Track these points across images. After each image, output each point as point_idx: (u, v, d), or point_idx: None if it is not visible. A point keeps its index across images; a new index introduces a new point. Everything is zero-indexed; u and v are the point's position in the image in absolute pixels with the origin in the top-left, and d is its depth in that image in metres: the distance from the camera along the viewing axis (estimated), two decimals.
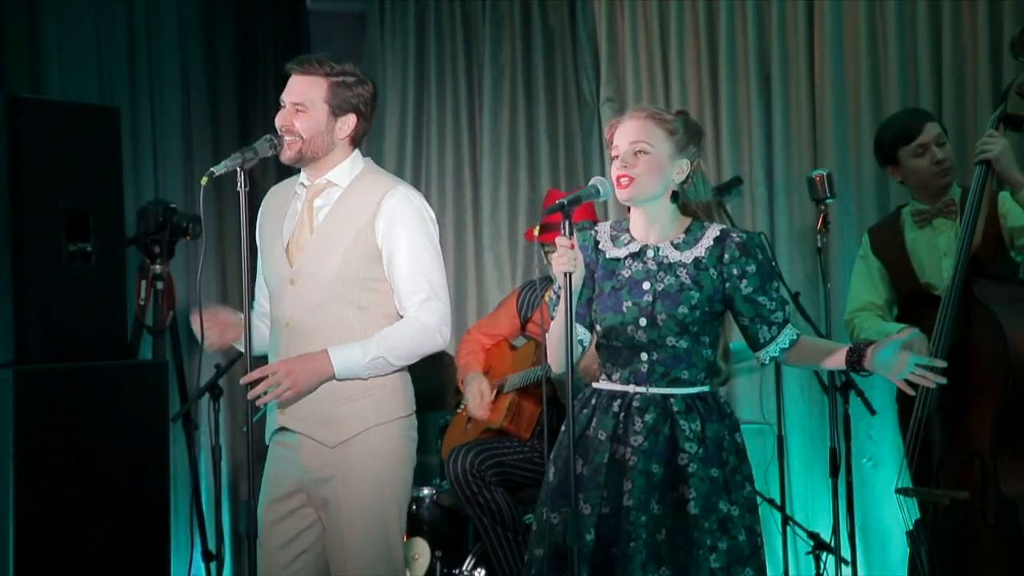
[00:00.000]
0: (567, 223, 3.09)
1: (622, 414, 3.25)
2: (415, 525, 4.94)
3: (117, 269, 4.32)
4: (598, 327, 3.33)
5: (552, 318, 3.34)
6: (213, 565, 4.64)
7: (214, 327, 3.52)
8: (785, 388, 5.13)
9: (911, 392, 3.24)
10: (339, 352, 3.39)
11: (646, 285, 3.27)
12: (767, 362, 3.32)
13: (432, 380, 5.28)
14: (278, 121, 3.47)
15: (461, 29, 6.16)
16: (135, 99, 5.48)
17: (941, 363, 3.22)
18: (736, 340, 3.48)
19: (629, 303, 3.27)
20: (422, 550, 4.96)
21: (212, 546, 4.73)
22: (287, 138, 3.44)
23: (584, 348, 3.42)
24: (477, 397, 4.92)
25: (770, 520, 5.00)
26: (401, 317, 3.47)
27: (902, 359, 3.16)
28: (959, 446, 4.04)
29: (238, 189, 3.31)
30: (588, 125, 6.03)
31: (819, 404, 5.29)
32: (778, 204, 5.54)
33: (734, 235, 3.29)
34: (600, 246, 3.36)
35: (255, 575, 3.32)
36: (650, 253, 3.30)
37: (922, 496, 4.12)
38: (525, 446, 4.87)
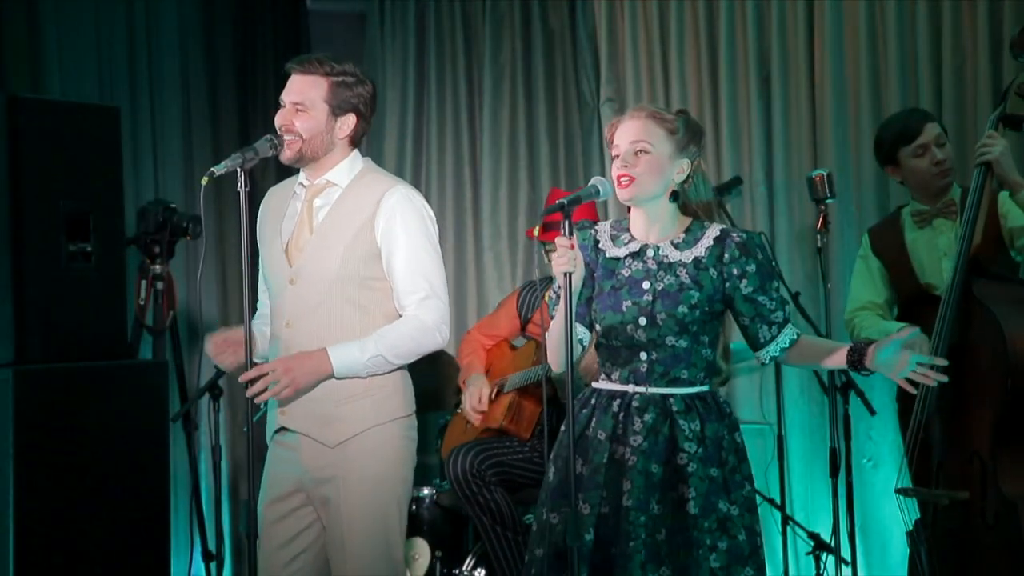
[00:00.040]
0: (567, 223, 3.09)
1: (621, 414, 3.25)
2: (415, 525, 4.94)
3: (117, 269, 4.32)
4: (598, 326, 3.33)
5: (552, 318, 3.34)
6: (213, 565, 4.64)
7: (228, 348, 3.51)
8: (785, 388, 5.13)
9: (912, 391, 3.24)
10: (338, 350, 3.39)
11: (646, 284, 3.27)
12: (767, 362, 3.32)
13: (432, 380, 5.28)
14: (278, 120, 3.47)
15: (461, 29, 6.16)
16: (135, 99, 5.48)
17: (942, 361, 3.22)
18: (736, 340, 3.48)
19: (629, 302, 3.27)
20: (422, 550, 4.96)
21: (212, 546, 4.73)
22: (287, 137, 3.44)
23: (584, 347, 3.42)
24: (475, 397, 4.92)
25: (770, 520, 5.00)
26: (401, 316, 3.47)
27: (903, 358, 3.16)
28: (959, 446, 4.04)
29: (238, 189, 3.31)
30: (588, 125, 6.03)
31: (819, 404, 5.29)
32: (778, 204, 5.54)
33: (734, 235, 3.29)
34: (600, 245, 3.36)
35: (255, 575, 3.32)
36: (650, 252, 3.30)
37: (922, 496, 4.12)
38: (525, 446, 4.87)
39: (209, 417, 4.10)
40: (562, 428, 3.30)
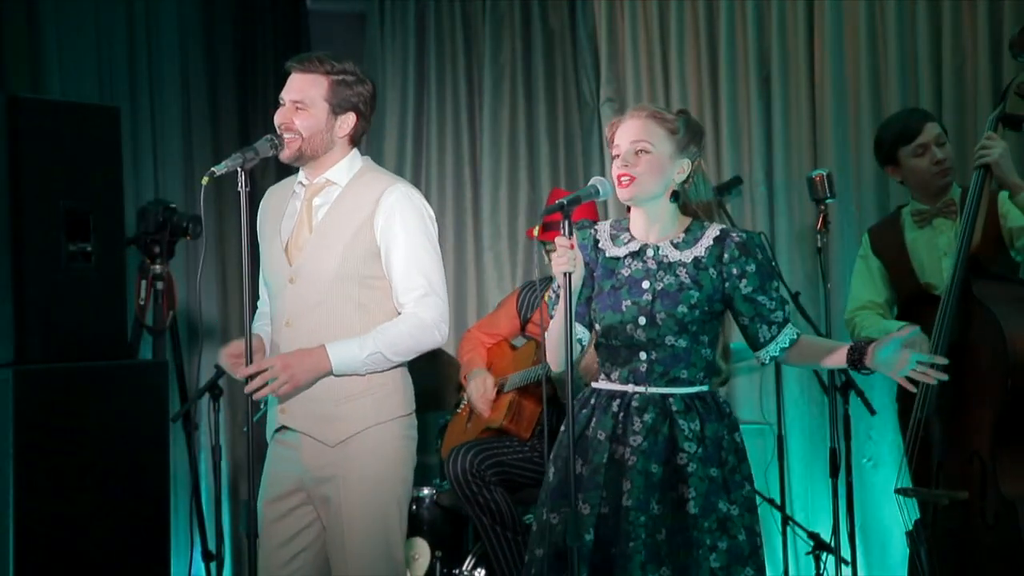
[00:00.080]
0: (567, 223, 3.09)
1: (621, 414, 3.25)
2: (415, 525, 4.94)
3: (117, 269, 4.31)
4: (597, 326, 3.33)
5: (551, 317, 3.34)
6: (213, 565, 4.64)
7: (243, 360, 3.49)
8: (785, 388, 5.14)
9: (912, 389, 3.24)
10: (336, 347, 3.39)
11: (645, 284, 3.27)
12: (767, 362, 3.32)
13: (432, 380, 5.28)
14: (277, 119, 3.47)
15: (461, 29, 6.16)
16: (135, 99, 5.48)
17: (942, 360, 3.22)
18: (736, 340, 3.48)
19: (628, 302, 3.27)
20: (422, 550, 4.96)
21: (212, 546, 4.73)
22: (286, 136, 3.44)
23: (583, 347, 3.42)
24: (480, 390, 4.92)
25: (770, 520, 5.00)
26: (400, 314, 3.47)
27: (903, 356, 3.16)
28: (958, 446, 4.04)
29: (239, 189, 3.31)
30: (588, 125, 6.03)
31: (819, 404, 5.29)
32: (778, 204, 5.54)
33: (734, 235, 3.29)
34: (600, 245, 3.36)
35: (255, 575, 3.32)
36: (650, 252, 3.30)
37: (922, 496, 4.12)
38: (525, 446, 4.87)
39: (209, 417, 4.08)
40: (562, 428, 3.30)
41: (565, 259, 3.08)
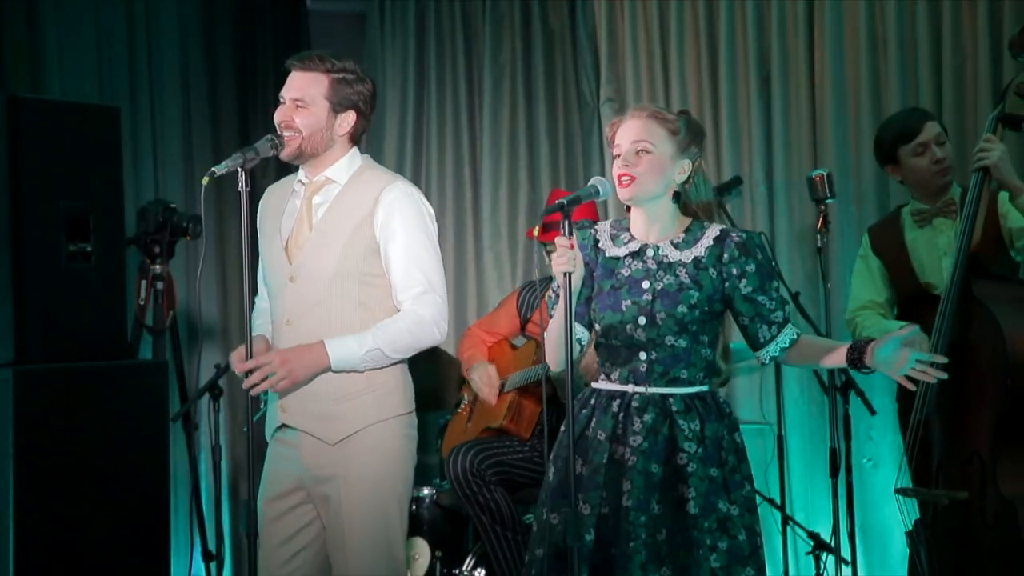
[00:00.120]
0: (567, 223, 3.09)
1: (621, 414, 3.25)
2: (415, 525, 4.94)
3: (117, 269, 4.31)
4: (597, 326, 3.33)
5: (551, 317, 3.34)
6: (213, 565, 4.64)
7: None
8: (785, 388, 5.13)
9: (912, 388, 3.24)
10: (335, 343, 3.39)
11: (645, 284, 3.27)
12: (767, 362, 3.32)
13: (432, 380, 5.28)
14: (277, 117, 3.47)
15: (461, 29, 6.16)
16: (135, 99, 5.48)
17: (942, 359, 3.22)
18: (736, 340, 3.48)
19: (628, 302, 3.27)
20: (422, 550, 4.96)
21: (212, 546, 4.73)
22: (286, 134, 3.44)
23: (583, 347, 3.42)
24: (486, 378, 4.93)
25: (770, 520, 5.00)
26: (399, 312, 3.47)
27: (903, 355, 3.16)
28: (958, 446, 4.04)
29: (239, 189, 3.31)
30: (588, 125, 6.03)
31: (819, 404, 5.29)
32: (778, 204, 5.54)
33: (734, 235, 3.29)
34: (600, 245, 3.36)
35: (255, 575, 3.32)
36: (650, 252, 3.30)
37: (921, 496, 4.12)
38: (525, 446, 4.88)
39: (209, 417, 4.08)
40: (562, 428, 3.30)
41: (565, 259, 3.08)
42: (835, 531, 4.55)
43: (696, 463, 3.20)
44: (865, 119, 5.30)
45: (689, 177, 3.31)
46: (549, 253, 3.24)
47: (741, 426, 3.36)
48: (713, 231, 3.30)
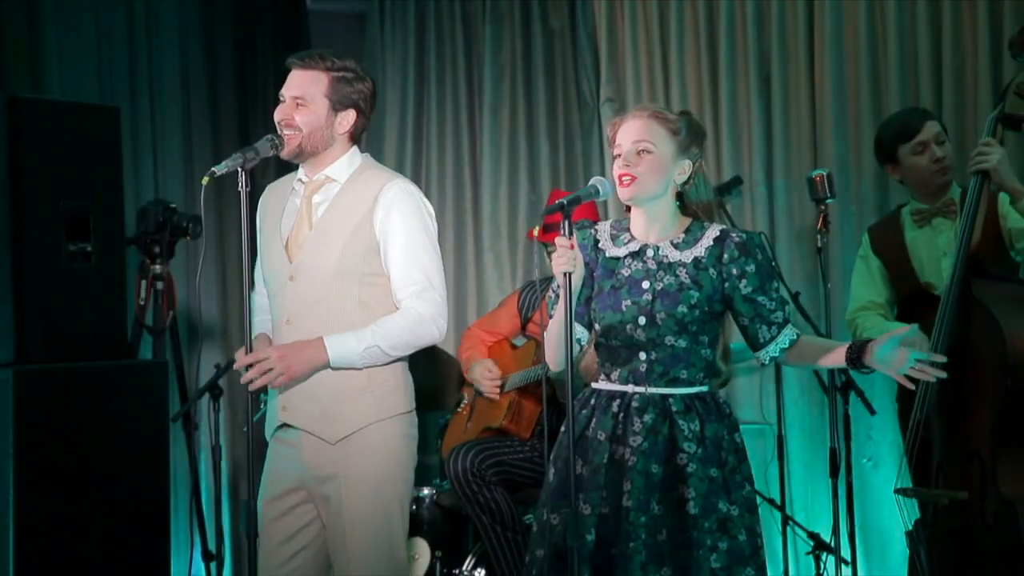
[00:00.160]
0: (567, 223, 3.10)
1: (621, 414, 3.25)
2: (415, 525, 4.94)
3: (117, 269, 4.31)
4: (597, 326, 3.33)
5: (551, 317, 3.34)
6: (213, 565, 4.64)
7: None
8: (785, 388, 5.14)
9: (911, 387, 3.24)
10: (334, 340, 3.39)
11: (645, 284, 3.27)
12: (767, 362, 3.32)
13: (432, 380, 5.28)
14: (277, 115, 3.47)
15: (461, 29, 6.16)
16: (135, 99, 5.48)
17: (941, 358, 3.22)
18: (736, 340, 3.48)
19: (628, 302, 3.27)
20: (422, 550, 4.96)
21: (212, 546, 4.73)
22: (286, 132, 3.44)
23: (582, 347, 3.42)
24: (486, 374, 4.93)
25: (770, 520, 5.00)
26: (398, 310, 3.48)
27: (902, 354, 3.16)
28: (958, 446, 4.04)
29: (239, 189, 3.31)
30: (588, 125, 6.03)
31: (819, 404, 5.29)
32: (778, 204, 5.54)
33: (734, 235, 3.29)
34: (600, 245, 3.36)
35: (255, 575, 3.32)
36: (650, 252, 3.30)
37: (921, 496, 4.12)
38: (525, 446, 4.88)
39: (209, 417, 4.08)
40: (562, 428, 3.30)
41: (565, 259, 3.08)
42: (835, 531, 4.55)
43: (696, 463, 3.20)
44: (865, 119, 5.30)
45: (689, 177, 3.31)
46: (550, 253, 3.25)
47: (741, 426, 3.36)
48: (713, 231, 3.30)
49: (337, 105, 3.47)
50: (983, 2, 5.07)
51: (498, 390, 4.94)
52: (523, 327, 5.11)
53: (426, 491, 5.04)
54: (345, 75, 3.47)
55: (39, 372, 3.99)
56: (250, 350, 3.37)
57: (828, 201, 4.62)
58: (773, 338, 3.28)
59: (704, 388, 3.29)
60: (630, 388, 3.27)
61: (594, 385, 3.35)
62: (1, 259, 3.98)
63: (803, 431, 5.42)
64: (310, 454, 3.46)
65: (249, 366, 3.36)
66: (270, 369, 3.35)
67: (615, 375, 3.30)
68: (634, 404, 3.25)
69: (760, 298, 3.26)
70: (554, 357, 3.33)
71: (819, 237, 4.60)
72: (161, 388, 4.41)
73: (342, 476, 3.42)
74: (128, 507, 4.17)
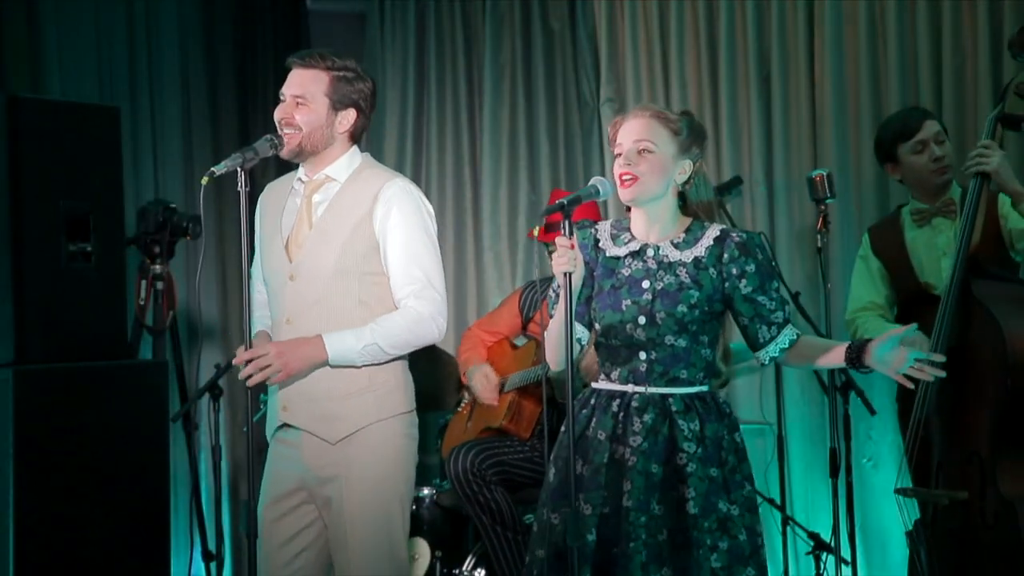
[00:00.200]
0: (567, 223, 3.10)
1: (621, 414, 3.25)
2: (415, 525, 4.93)
3: (117, 269, 4.31)
4: (597, 325, 3.33)
5: (551, 317, 3.35)
6: (213, 565, 4.64)
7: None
8: (785, 388, 5.13)
9: (910, 386, 3.24)
10: (333, 337, 3.39)
11: (645, 284, 3.27)
12: (767, 362, 3.31)
13: (432, 380, 5.28)
14: (278, 114, 3.47)
15: (461, 29, 6.16)
16: (135, 99, 5.48)
17: (940, 357, 3.22)
18: (736, 340, 3.48)
19: (628, 301, 3.27)
20: (422, 550, 4.96)
21: (212, 546, 4.73)
22: (287, 131, 3.44)
23: (583, 346, 3.42)
24: (484, 381, 4.93)
25: (770, 520, 4.99)
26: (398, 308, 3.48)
27: (901, 354, 3.16)
28: (958, 446, 4.04)
29: (238, 189, 3.31)
30: (588, 125, 6.03)
31: (819, 404, 5.29)
32: (778, 204, 5.54)
33: (734, 235, 3.29)
34: (600, 244, 3.36)
35: (255, 575, 3.32)
36: (650, 252, 3.30)
37: (921, 496, 4.12)
38: (525, 446, 4.88)
39: (209, 417, 4.08)
40: (562, 429, 3.30)
41: (565, 259, 3.08)
42: (835, 531, 4.55)
43: (696, 463, 3.20)
44: (865, 119, 5.30)
45: (690, 177, 3.31)
46: (551, 253, 3.25)
47: (741, 426, 3.36)
48: (713, 231, 3.30)
49: (337, 104, 3.47)
50: (983, 2, 5.07)
51: (496, 400, 4.94)
52: (524, 327, 5.11)
53: (426, 491, 5.04)
54: (345, 74, 3.47)
55: (39, 372, 3.99)
56: (250, 346, 3.38)
57: (828, 201, 4.61)
58: (773, 338, 3.28)
59: (704, 388, 3.29)
60: (630, 388, 3.27)
61: (594, 385, 3.36)
62: (1, 259, 3.98)
63: (803, 431, 5.42)
64: (310, 454, 3.45)
65: (248, 363, 3.36)
66: (268, 365, 3.35)
67: (615, 375, 3.30)
68: (634, 404, 3.25)
69: (760, 298, 3.26)
70: (555, 357, 3.33)
71: (819, 237, 4.60)
72: (161, 388, 4.41)
73: (343, 476, 3.42)
74: (128, 507, 4.17)
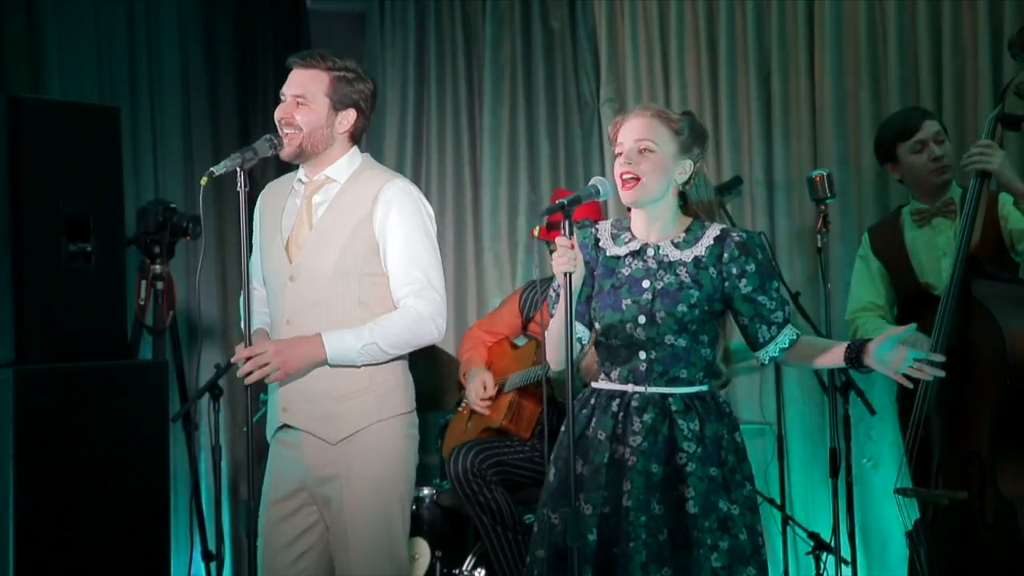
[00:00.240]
0: (567, 223, 3.10)
1: (621, 414, 3.25)
2: (415, 525, 4.94)
3: (117, 269, 4.32)
4: (597, 325, 3.33)
5: (552, 316, 3.35)
6: (213, 565, 4.64)
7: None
8: (785, 388, 5.13)
9: (910, 386, 3.24)
10: (332, 336, 3.39)
11: (646, 283, 3.27)
12: (767, 362, 3.31)
13: (432, 380, 5.28)
14: (278, 114, 3.47)
15: (461, 29, 6.16)
16: (135, 99, 5.48)
17: (939, 357, 3.22)
18: (736, 340, 3.48)
19: (628, 301, 3.27)
20: (422, 550, 4.96)
21: (212, 546, 4.73)
22: (287, 131, 3.44)
23: (583, 346, 3.42)
24: (480, 390, 4.93)
25: (770, 520, 4.99)
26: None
27: (900, 354, 3.16)
28: (958, 446, 4.04)
29: (238, 189, 3.31)
30: (588, 125, 6.03)
31: (819, 404, 5.29)
32: (778, 204, 5.54)
33: (734, 234, 3.29)
34: (600, 244, 3.36)
35: (255, 575, 3.32)
36: (650, 251, 3.30)
37: (921, 496, 4.12)
38: (525, 446, 4.88)
39: (209, 417, 4.10)
40: (562, 428, 3.30)
41: (565, 259, 3.08)
42: (835, 531, 4.55)
43: (695, 463, 3.20)
44: (865, 119, 5.30)
45: (690, 177, 3.31)
46: (551, 252, 3.25)
47: (741, 426, 3.36)
48: (713, 231, 3.30)
49: (338, 104, 3.47)
50: (983, 2, 5.07)
51: (488, 411, 4.94)
52: (524, 327, 5.11)
53: (426, 491, 5.04)
54: (346, 75, 3.47)
55: (39, 372, 3.99)
56: (248, 344, 3.38)
57: (828, 201, 4.62)
58: (773, 338, 3.28)
59: (704, 387, 3.29)
60: (630, 387, 3.27)
61: (594, 385, 3.36)
62: (1, 259, 3.98)
63: (803, 431, 5.42)
64: (311, 455, 3.45)
65: (247, 360, 3.36)
66: (266, 363, 3.35)
67: (615, 374, 3.30)
68: (634, 403, 3.25)
69: (760, 298, 3.26)
70: (555, 356, 3.33)
71: (819, 237, 4.60)
72: (161, 388, 4.41)
73: (343, 476, 3.42)
74: (128, 507, 4.17)
